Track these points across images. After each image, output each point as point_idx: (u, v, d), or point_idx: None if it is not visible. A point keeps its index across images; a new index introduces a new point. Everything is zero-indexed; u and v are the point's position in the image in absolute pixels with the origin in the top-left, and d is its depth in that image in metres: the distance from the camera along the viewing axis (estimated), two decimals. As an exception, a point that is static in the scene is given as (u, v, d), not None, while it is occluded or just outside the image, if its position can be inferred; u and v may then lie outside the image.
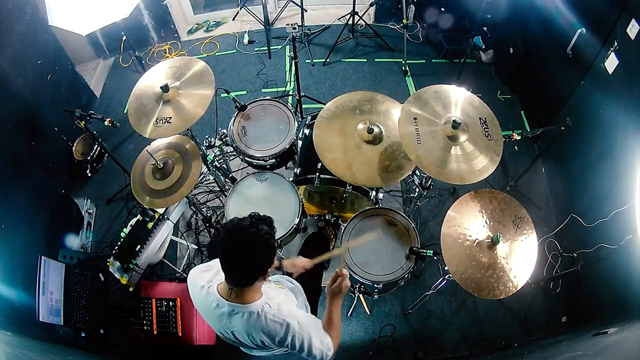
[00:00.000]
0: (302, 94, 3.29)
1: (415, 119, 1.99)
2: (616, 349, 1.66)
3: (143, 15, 4.00)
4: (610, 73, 2.41)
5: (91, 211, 3.20)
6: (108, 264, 2.55)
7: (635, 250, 2.00)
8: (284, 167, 2.66)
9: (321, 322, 1.47)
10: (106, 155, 3.38)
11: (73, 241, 2.88)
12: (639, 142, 2.10)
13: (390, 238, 2.18)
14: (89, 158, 3.31)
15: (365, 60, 4.09)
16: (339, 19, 4.33)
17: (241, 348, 1.62)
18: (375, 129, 2.10)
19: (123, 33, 3.09)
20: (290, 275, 1.81)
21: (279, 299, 1.43)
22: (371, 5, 4.17)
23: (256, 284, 1.33)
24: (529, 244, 1.90)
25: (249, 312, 1.32)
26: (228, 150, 2.72)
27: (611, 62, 2.39)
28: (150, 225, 2.60)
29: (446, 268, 1.94)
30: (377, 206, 2.31)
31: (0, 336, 1.72)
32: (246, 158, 2.45)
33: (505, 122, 2.72)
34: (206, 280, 1.41)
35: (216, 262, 1.45)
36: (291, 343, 1.35)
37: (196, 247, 2.97)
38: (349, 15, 3.94)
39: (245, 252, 1.24)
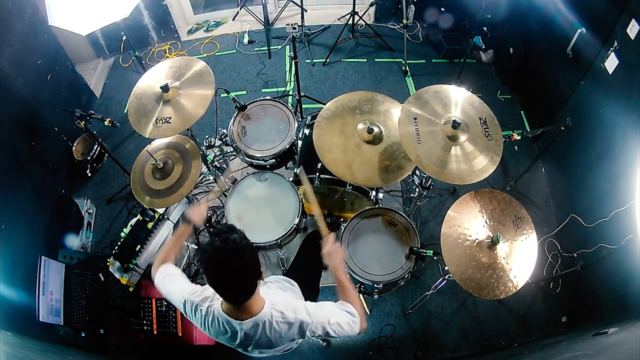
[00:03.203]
0: (302, 94, 3.29)
1: (415, 119, 1.99)
2: (616, 349, 1.66)
3: (143, 15, 4.00)
4: (610, 73, 2.40)
5: (91, 211, 3.20)
6: (108, 264, 2.56)
7: (635, 250, 1.99)
8: (284, 167, 2.66)
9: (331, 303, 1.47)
10: (106, 155, 3.38)
11: (73, 241, 2.88)
12: (639, 142, 2.10)
13: (390, 238, 2.18)
14: (89, 158, 3.31)
15: (365, 60, 4.09)
16: (339, 19, 4.33)
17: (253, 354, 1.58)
18: (375, 129, 2.10)
19: (123, 33, 3.08)
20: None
21: (280, 299, 1.43)
22: (371, 5, 4.17)
23: (257, 291, 1.32)
24: (529, 244, 1.90)
25: (261, 323, 1.33)
26: (228, 150, 2.72)
27: (611, 62, 2.38)
28: (150, 225, 2.60)
29: (446, 268, 1.94)
30: (377, 206, 2.31)
31: (0, 336, 1.72)
32: (246, 158, 2.45)
33: (505, 122, 2.73)
34: (206, 305, 1.39)
35: (188, 285, 1.46)
36: (312, 334, 1.37)
37: (196, 247, 2.96)
38: (349, 15, 3.94)
39: (237, 268, 1.23)
